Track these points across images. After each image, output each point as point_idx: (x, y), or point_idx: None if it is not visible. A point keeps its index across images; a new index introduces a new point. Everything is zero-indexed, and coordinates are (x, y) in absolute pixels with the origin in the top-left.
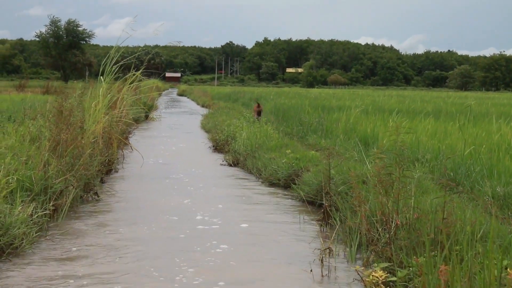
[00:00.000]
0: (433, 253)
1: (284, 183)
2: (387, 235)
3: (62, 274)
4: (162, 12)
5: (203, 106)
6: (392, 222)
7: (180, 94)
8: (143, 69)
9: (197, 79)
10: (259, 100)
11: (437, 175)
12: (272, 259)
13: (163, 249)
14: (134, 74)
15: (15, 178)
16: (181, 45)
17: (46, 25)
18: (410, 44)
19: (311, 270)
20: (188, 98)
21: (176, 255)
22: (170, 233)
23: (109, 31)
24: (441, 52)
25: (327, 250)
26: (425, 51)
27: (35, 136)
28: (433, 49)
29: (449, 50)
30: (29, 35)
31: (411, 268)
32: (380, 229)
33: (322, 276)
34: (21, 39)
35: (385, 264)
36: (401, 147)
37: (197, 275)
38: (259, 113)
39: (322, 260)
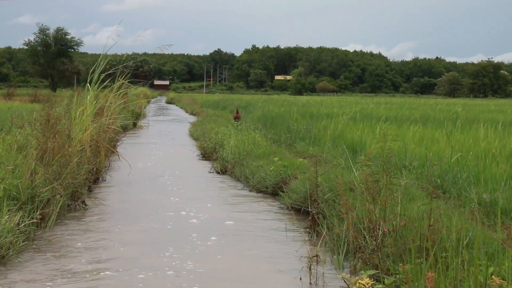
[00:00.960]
0: (419, 260)
1: (272, 190)
2: (374, 243)
3: (49, 283)
4: (151, 20)
5: (191, 113)
6: (379, 230)
7: (169, 102)
8: (130, 76)
9: (185, 86)
10: (239, 107)
11: (424, 182)
12: (259, 267)
13: (152, 251)
14: (121, 82)
15: (2, 187)
16: (170, 51)
17: (34, 33)
18: (399, 51)
19: (300, 278)
20: (176, 105)
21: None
22: (159, 236)
23: (98, 39)
24: (429, 59)
25: (315, 258)
26: (413, 58)
27: (22, 144)
28: (421, 56)
29: (437, 57)
30: (18, 43)
31: (397, 275)
32: (367, 237)
33: (310, 283)
34: (9, 47)
35: (372, 272)
36: (388, 154)
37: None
38: (235, 119)
39: (310, 267)
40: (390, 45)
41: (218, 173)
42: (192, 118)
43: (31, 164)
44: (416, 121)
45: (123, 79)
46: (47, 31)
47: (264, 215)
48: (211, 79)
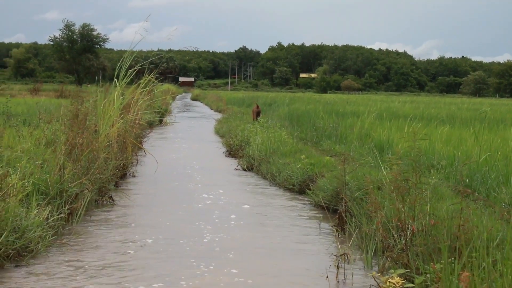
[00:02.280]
0: (450, 259)
1: (298, 188)
2: (403, 241)
3: (78, 277)
4: (177, 16)
5: (216, 110)
6: (408, 229)
7: (194, 99)
8: (157, 73)
9: (210, 83)
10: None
11: (453, 182)
12: (286, 264)
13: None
14: (147, 78)
15: (31, 181)
16: (196, 49)
17: (60, 29)
18: (425, 50)
19: (327, 276)
20: (201, 102)
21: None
22: (187, 224)
23: (124, 35)
24: (455, 58)
25: (343, 256)
26: (439, 57)
27: (50, 139)
28: (447, 55)
29: (463, 56)
30: (44, 39)
31: (428, 275)
32: (395, 235)
33: (338, 282)
34: (35, 43)
35: (402, 271)
36: (417, 153)
37: None
38: (258, 114)
39: (338, 266)
40: (416, 44)
41: (244, 170)
42: (217, 115)
43: (60, 159)
44: (443, 120)
45: (150, 76)
46: (73, 27)
47: (291, 215)
48: (236, 76)
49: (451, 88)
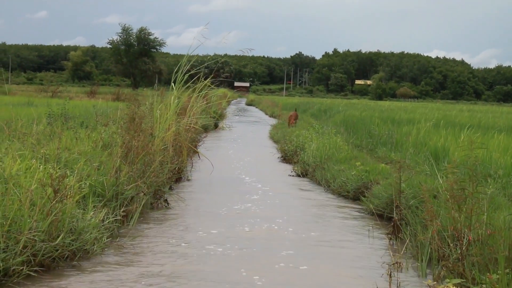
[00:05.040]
0: (507, 270)
1: (353, 195)
2: (459, 251)
3: (133, 279)
4: (235, 22)
5: (271, 116)
6: (464, 238)
7: (249, 104)
8: (213, 78)
9: (265, 89)
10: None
11: (510, 192)
12: (338, 270)
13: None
14: (204, 83)
15: (88, 183)
16: (251, 54)
17: (118, 33)
18: (483, 58)
19: (377, 287)
20: (256, 108)
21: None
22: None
23: (181, 39)
24: None
25: (396, 264)
26: (497, 65)
27: (107, 142)
28: (505, 64)
29: None
30: (101, 42)
31: (484, 285)
32: (451, 244)
33: None
34: (93, 46)
35: (458, 280)
36: (474, 162)
37: None
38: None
39: (390, 274)
40: (475, 52)
41: (298, 175)
42: (272, 120)
43: (116, 162)
44: (500, 130)
45: (206, 81)
46: (131, 31)
47: (345, 221)
48: (291, 82)
49: (509, 97)
